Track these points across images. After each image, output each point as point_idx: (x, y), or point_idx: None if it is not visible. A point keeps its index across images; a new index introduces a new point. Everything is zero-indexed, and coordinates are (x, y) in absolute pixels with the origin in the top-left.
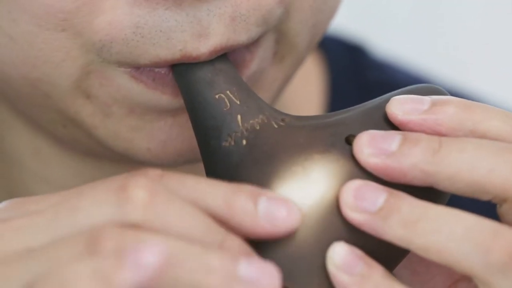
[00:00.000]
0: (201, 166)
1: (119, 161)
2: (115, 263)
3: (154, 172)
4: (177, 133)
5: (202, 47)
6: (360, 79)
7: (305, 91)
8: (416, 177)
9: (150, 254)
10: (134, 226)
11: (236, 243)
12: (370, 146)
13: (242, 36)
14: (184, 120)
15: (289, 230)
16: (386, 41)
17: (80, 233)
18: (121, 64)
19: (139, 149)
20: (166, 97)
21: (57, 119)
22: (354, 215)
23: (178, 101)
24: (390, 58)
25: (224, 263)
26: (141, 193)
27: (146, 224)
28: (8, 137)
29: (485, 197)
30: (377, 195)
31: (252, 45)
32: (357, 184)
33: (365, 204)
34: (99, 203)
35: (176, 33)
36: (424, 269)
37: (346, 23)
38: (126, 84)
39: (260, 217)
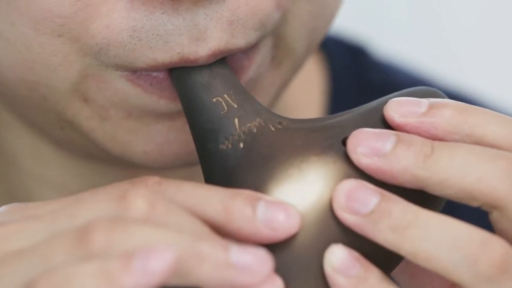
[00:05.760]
0: (198, 169)
1: (116, 163)
2: (122, 266)
3: (153, 180)
4: (175, 137)
5: (200, 51)
6: (362, 80)
7: (306, 92)
8: (406, 181)
9: (157, 261)
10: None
11: None
12: (363, 145)
13: (240, 40)
14: (182, 124)
15: (288, 234)
16: (383, 42)
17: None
18: (118, 67)
19: (136, 152)
20: (163, 102)
21: (55, 121)
22: (345, 216)
23: (176, 105)
24: (392, 60)
25: (215, 250)
26: (141, 202)
27: None
28: (7, 138)
29: (474, 204)
30: (370, 197)
31: (250, 50)
32: (350, 185)
33: (357, 205)
34: (98, 210)
35: (173, 36)
36: (422, 273)
37: (344, 24)
38: (123, 88)
39: (258, 222)
